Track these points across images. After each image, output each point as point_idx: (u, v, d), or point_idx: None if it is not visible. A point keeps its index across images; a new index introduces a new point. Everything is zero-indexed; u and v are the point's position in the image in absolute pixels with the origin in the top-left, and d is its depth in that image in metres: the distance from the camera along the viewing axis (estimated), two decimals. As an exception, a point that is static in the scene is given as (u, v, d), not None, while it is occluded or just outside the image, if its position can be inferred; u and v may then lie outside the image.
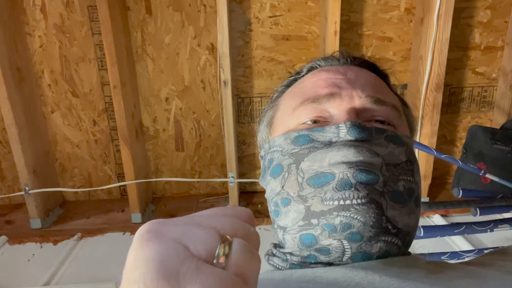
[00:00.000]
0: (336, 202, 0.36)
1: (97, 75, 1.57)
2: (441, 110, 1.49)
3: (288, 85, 0.49)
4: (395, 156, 0.39)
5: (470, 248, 1.23)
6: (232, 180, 1.53)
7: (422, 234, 0.97)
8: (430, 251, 1.02)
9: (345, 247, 0.36)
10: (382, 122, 0.41)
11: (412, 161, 0.40)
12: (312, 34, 1.54)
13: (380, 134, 0.39)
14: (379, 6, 1.52)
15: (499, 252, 0.43)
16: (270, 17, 1.52)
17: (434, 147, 1.50)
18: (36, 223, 1.52)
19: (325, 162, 0.37)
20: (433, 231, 1.01)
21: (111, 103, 1.56)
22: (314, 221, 0.37)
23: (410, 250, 0.41)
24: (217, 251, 0.20)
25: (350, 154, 0.37)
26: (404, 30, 1.55)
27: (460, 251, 1.03)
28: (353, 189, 0.35)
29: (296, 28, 1.53)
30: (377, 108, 0.41)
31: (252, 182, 1.75)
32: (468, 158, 1.52)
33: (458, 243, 1.30)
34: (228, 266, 0.20)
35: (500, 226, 0.99)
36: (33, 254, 1.39)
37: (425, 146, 1.15)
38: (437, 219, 1.50)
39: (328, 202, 0.36)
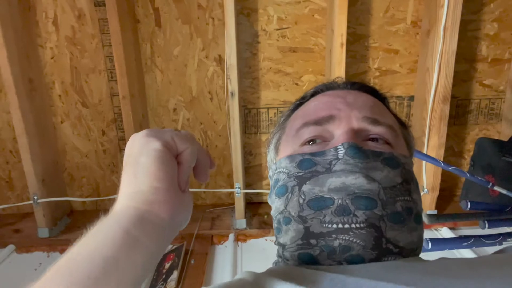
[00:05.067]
0: (335, 226, 0.37)
1: (107, 86, 1.59)
2: (449, 122, 1.48)
3: (294, 109, 0.53)
4: (390, 179, 0.40)
5: (479, 261, 1.21)
6: (239, 191, 1.53)
7: (430, 247, 0.96)
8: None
9: None
10: (378, 140, 0.43)
11: (408, 181, 0.42)
12: (319, 46, 1.56)
13: (377, 157, 0.41)
14: (385, 19, 1.53)
15: (496, 253, 0.45)
16: (277, 29, 1.53)
17: (442, 159, 1.50)
18: (43, 232, 1.53)
19: (325, 187, 0.39)
20: (441, 244, 1.00)
21: (120, 114, 1.58)
22: (313, 241, 0.38)
23: None
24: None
25: (348, 181, 0.38)
26: (410, 43, 1.56)
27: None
28: (351, 215, 0.37)
29: (302, 40, 1.55)
30: (374, 128, 0.43)
31: (258, 193, 1.75)
32: (476, 170, 1.50)
33: (467, 256, 1.28)
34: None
35: (509, 239, 0.98)
36: (40, 263, 1.40)
37: (433, 158, 1.15)
38: (445, 232, 1.48)
39: (327, 225, 0.37)
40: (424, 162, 1.49)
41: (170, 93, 1.62)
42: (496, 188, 1.12)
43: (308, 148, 0.43)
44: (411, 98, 1.62)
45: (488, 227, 1.01)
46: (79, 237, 0.31)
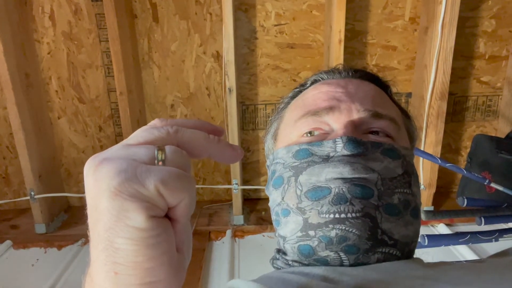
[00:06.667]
0: (331, 215, 0.37)
1: (104, 82, 1.59)
2: (446, 119, 1.49)
3: (293, 97, 0.52)
4: (391, 170, 0.39)
5: (475, 257, 1.22)
6: (236, 187, 1.53)
7: (426, 243, 0.96)
8: (434, 260, 1.01)
9: (342, 258, 0.37)
10: (378, 133, 0.42)
11: (409, 173, 0.41)
12: (317, 43, 1.55)
13: (376, 148, 0.40)
14: (384, 15, 1.53)
15: (498, 255, 0.44)
16: (275, 25, 1.53)
17: (439, 155, 1.50)
18: (40, 228, 1.53)
19: (322, 177, 0.38)
20: (437, 240, 1.01)
21: (117, 110, 1.58)
22: (312, 232, 0.38)
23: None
24: (156, 157, 0.25)
25: (346, 171, 0.38)
26: (408, 39, 1.55)
27: (464, 261, 1.02)
28: (348, 203, 0.37)
29: (301, 36, 1.54)
30: (375, 121, 0.42)
31: (256, 189, 1.75)
32: (473, 167, 1.51)
33: (463, 252, 1.29)
34: (167, 164, 0.25)
35: (506, 235, 0.99)
36: (37, 259, 1.40)
37: (430, 155, 1.15)
38: (441, 228, 1.49)
39: (324, 215, 0.37)
40: (421, 158, 1.49)
41: (167, 89, 1.61)
42: (493, 185, 1.12)
43: (305, 139, 0.43)
44: (409, 94, 1.63)
45: (485, 224, 1.01)
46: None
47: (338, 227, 0.36)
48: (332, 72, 0.50)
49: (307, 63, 1.58)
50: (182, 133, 0.27)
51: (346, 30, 1.40)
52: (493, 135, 1.64)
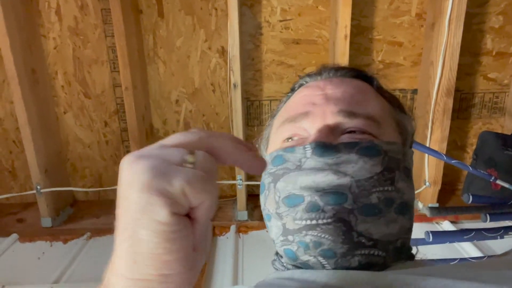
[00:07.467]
0: (304, 222, 0.38)
1: (109, 77, 1.59)
2: (452, 115, 1.48)
3: (285, 102, 0.52)
4: (367, 169, 0.38)
5: (480, 254, 1.22)
6: (240, 183, 1.54)
7: (431, 240, 0.96)
8: (439, 257, 1.01)
9: (322, 263, 0.38)
10: (355, 132, 0.42)
11: (392, 169, 0.40)
12: (322, 38, 1.55)
13: (351, 148, 0.39)
14: (390, 11, 1.51)
15: (499, 255, 0.44)
16: (281, 21, 1.52)
17: (445, 152, 1.49)
18: (46, 222, 1.54)
19: (297, 185, 0.39)
20: (442, 237, 1.00)
21: (122, 105, 1.59)
22: (290, 237, 0.39)
23: (421, 257, 0.42)
24: (186, 160, 0.27)
25: (318, 179, 0.38)
26: (414, 35, 1.54)
27: (469, 258, 1.02)
28: (320, 211, 0.37)
29: (306, 32, 1.54)
30: (350, 121, 0.42)
31: (260, 185, 1.75)
32: (478, 164, 1.50)
33: (468, 249, 1.29)
34: (195, 167, 0.27)
35: (511, 233, 0.98)
36: (43, 253, 1.41)
37: (435, 152, 1.15)
38: (446, 225, 1.49)
39: (298, 221, 0.38)
40: (426, 155, 1.49)
41: (172, 84, 1.62)
42: (499, 182, 1.12)
43: (284, 145, 0.44)
44: (415, 91, 1.62)
45: (490, 221, 1.01)
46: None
47: (310, 233, 0.37)
48: (315, 74, 0.51)
49: (313, 59, 1.57)
50: (214, 139, 0.29)
51: (351, 25, 1.39)
52: (499, 132, 1.63)
